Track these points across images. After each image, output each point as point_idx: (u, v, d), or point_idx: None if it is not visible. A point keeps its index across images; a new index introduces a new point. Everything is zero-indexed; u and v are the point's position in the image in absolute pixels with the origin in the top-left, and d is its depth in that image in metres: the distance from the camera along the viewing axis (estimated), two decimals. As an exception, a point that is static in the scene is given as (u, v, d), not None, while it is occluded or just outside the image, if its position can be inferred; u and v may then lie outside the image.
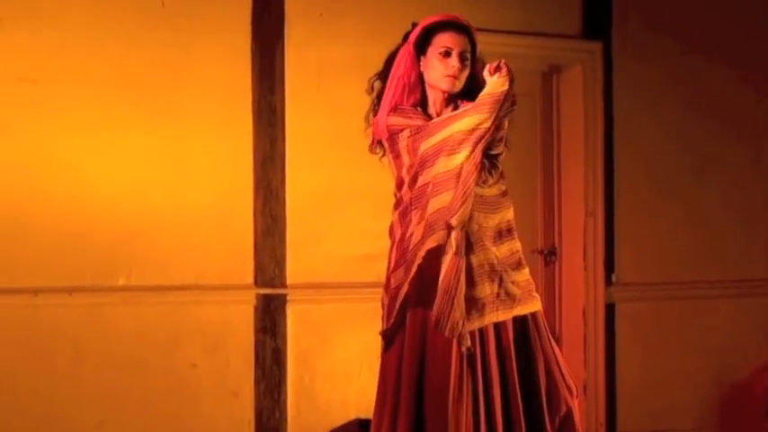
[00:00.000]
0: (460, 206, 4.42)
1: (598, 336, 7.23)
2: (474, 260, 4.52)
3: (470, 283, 4.50)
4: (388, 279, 4.61)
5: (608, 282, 7.26)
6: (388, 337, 4.66)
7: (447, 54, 4.56)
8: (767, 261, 7.69)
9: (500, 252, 4.62)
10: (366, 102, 6.20)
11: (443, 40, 4.57)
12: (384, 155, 4.76)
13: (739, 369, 7.56)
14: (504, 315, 4.56)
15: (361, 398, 6.46)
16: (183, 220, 6.30)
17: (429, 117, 4.59)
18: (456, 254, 4.43)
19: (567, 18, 7.22)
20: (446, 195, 4.44)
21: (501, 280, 4.56)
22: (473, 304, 4.50)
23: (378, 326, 5.96)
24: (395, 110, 4.60)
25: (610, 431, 7.23)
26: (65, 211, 6.08)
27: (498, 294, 4.56)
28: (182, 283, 6.29)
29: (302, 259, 6.52)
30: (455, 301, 4.41)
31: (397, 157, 4.61)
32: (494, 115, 4.42)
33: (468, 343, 4.43)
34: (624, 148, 7.32)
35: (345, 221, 6.61)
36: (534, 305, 4.64)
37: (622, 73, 7.30)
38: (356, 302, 6.54)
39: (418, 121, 4.55)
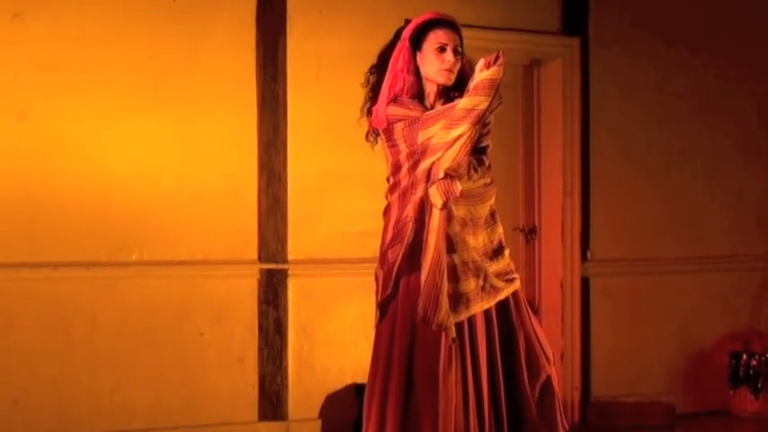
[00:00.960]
0: (453, 157, 4.46)
1: (574, 307, 7.28)
2: (457, 259, 4.55)
3: (455, 279, 4.55)
4: (384, 254, 4.64)
5: (583, 258, 7.30)
6: (383, 309, 4.69)
7: (442, 49, 4.58)
8: (730, 239, 7.75)
9: (487, 237, 4.66)
10: (361, 91, 6.27)
11: (438, 36, 4.60)
12: (377, 143, 4.77)
13: (704, 338, 7.65)
14: (489, 303, 4.62)
15: (357, 365, 6.50)
16: (192, 200, 6.33)
17: (426, 108, 4.61)
18: (439, 231, 4.46)
19: (548, 15, 7.26)
20: (437, 155, 4.48)
21: (486, 276, 4.60)
22: (459, 299, 4.55)
23: (372, 298, 6.08)
24: (394, 101, 4.62)
25: (584, 395, 7.26)
26: (82, 191, 6.09)
27: (483, 287, 4.60)
28: (190, 259, 6.32)
29: (302, 237, 6.57)
30: (439, 299, 4.47)
31: (393, 145, 4.62)
32: (491, 98, 4.45)
33: (454, 334, 4.48)
34: (599, 134, 7.36)
35: (342, 202, 6.64)
36: (514, 286, 4.69)
37: (598, 66, 7.34)
38: (352, 276, 6.59)
39: (416, 112, 4.57)
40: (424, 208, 4.54)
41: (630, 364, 7.39)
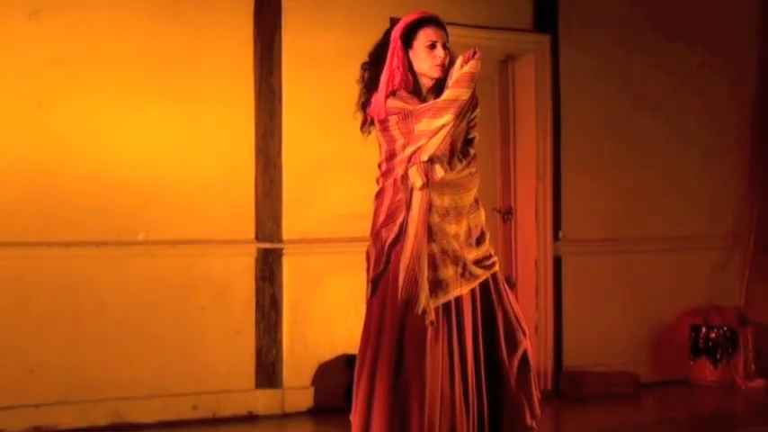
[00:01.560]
0: (437, 145, 4.55)
1: (547, 284, 7.37)
2: (436, 247, 4.63)
3: (434, 266, 4.62)
4: (377, 233, 4.73)
5: (556, 238, 7.40)
6: (374, 285, 4.78)
7: (433, 46, 4.68)
8: (691, 222, 7.86)
9: (472, 222, 4.75)
10: (350, 82, 6.34)
11: (428, 34, 4.70)
12: (371, 133, 4.85)
13: (666, 313, 7.75)
14: (467, 289, 4.71)
15: (348, 337, 6.56)
16: (194, 184, 6.41)
17: (422, 100, 4.70)
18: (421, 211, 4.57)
19: (521, 15, 7.35)
20: (421, 142, 4.57)
21: (465, 265, 4.68)
22: (438, 284, 4.63)
23: (362, 275, 6.20)
24: (393, 95, 4.70)
25: (557, 365, 7.34)
26: (93, 176, 6.16)
27: (462, 274, 4.68)
28: (192, 239, 6.39)
29: (296, 218, 6.64)
30: (419, 284, 4.56)
31: (389, 134, 4.70)
32: (471, 89, 4.57)
33: (432, 318, 4.56)
34: (569, 123, 7.46)
35: (334, 185, 6.71)
36: (492, 271, 4.79)
37: (567, 60, 7.44)
38: (343, 255, 6.66)
39: (412, 105, 4.65)
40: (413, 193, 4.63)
41: (599, 337, 7.46)
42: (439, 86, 4.75)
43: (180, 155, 6.40)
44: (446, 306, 4.66)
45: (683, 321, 7.76)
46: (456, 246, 4.67)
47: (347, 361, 6.62)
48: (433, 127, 4.57)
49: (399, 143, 4.69)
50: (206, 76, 6.45)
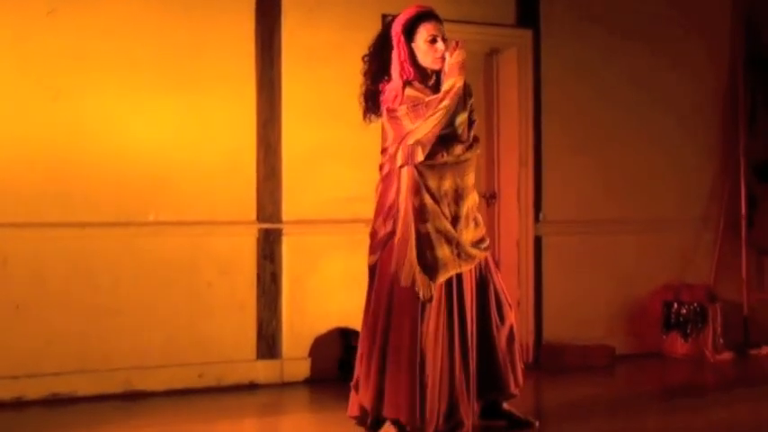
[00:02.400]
0: (429, 130, 4.73)
1: (529, 263, 7.46)
2: (430, 227, 4.80)
3: (429, 246, 4.79)
4: (389, 210, 4.84)
5: (536, 219, 7.48)
6: (373, 269, 4.93)
7: (434, 41, 4.87)
8: (664, 204, 7.97)
9: (472, 204, 4.93)
10: (345, 75, 6.55)
11: (427, 29, 4.88)
12: (372, 123, 5.01)
13: (642, 290, 7.86)
14: (466, 268, 4.89)
15: (342, 312, 6.74)
16: (200, 169, 6.49)
17: (432, 91, 4.85)
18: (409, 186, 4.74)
19: (504, 10, 7.42)
20: (417, 123, 4.77)
21: (458, 244, 4.83)
22: (435, 263, 4.79)
23: (355, 254, 6.31)
24: (410, 84, 4.87)
25: (537, 339, 7.42)
26: (107, 161, 6.25)
27: (459, 255, 4.84)
28: (199, 220, 6.48)
29: (295, 201, 6.73)
30: (411, 261, 4.73)
31: (397, 122, 4.83)
32: (463, 76, 4.78)
33: (428, 296, 4.73)
34: (550, 112, 7.56)
35: (330, 171, 6.82)
36: (487, 253, 4.99)
37: (549, 54, 7.55)
38: (338, 235, 6.81)
39: (425, 96, 4.82)
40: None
41: (577, 312, 7.57)
42: (437, 75, 4.90)
43: (187, 142, 6.46)
44: (447, 282, 4.81)
45: (655, 298, 7.83)
46: (448, 226, 4.79)
47: (341, 334, 6.77)
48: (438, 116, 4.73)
49: (408, 129, 4.81)
50: (211, 69, 6.51)
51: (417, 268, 4.75)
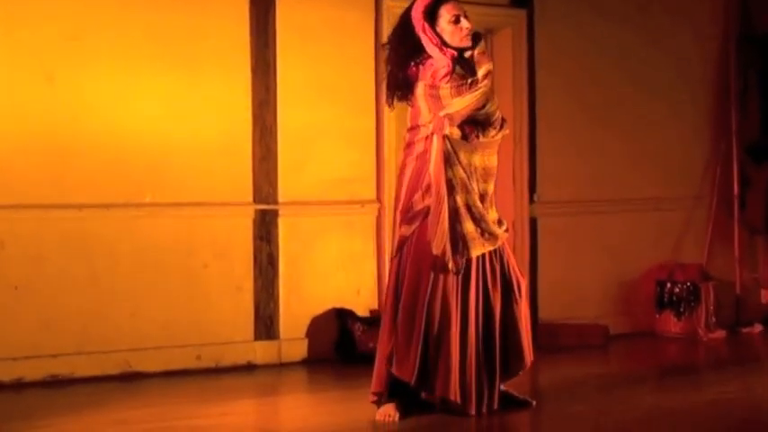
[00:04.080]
0: (464, 106, 4.85)
1: (524, 244, 7.49)
2: (460, 201, 4.87)
3: (458, 220, 4.87)
4: (429, 187, 4.89)
5: (531, 200, 7.51)
6: (402, 244, 5.00)
7: (457, 20, 4.93)
8: (657, 184, 8.00)
9: (489, 188, 5.02)
10: (339, 55, 6.60)
11: (449, 10, 4.96)
12: (394, 107, 5.13)
13: (634, 269, 7.90)
14: (489, 248, 4.98)
15: (337, 292, 6.84)
16: (196, 150, 6.49)
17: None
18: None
19: None
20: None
21: (482, 220, 4.91)
22: (461, 238, 4.88)
23: (352, 235, 6.57)
24: (458, 63, 4.95)
25: (533, 319, 6.86)
26: (104, 143, 6.24)
27: (483, 233, 4.92)
28: (195, 201, 6.48)
29: (291, 181, 6.75)
30: (442, 231, 4.81)
31: (437, 99, 4.91)
32: (491, 62, 4.99)
33: (459, 268, 4.83)
34: (544, 93, 7.58)
35: (325, 152, 6.84)
36: (507, 233, 5.10)
37: (542, 34, 7.57)
38: (334, 216, 6.84)
39: (469, 77, 4.93)
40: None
41: (572, 292, 7.60)
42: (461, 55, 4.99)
43: (183, 124, 6.47)
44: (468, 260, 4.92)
45: (649, 277, 7.89)
46: (478, 202, 4.88)
47: (337, 314, 6.82)
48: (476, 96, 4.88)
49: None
50: (206, 50, 6.53)
51: (448, 239, 4.84)
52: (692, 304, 7.71)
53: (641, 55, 7.95)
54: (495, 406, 5.04)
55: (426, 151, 4.95)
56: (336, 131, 6.85)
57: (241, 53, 6.64)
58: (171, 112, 6.48)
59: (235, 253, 6.63)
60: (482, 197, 4.99)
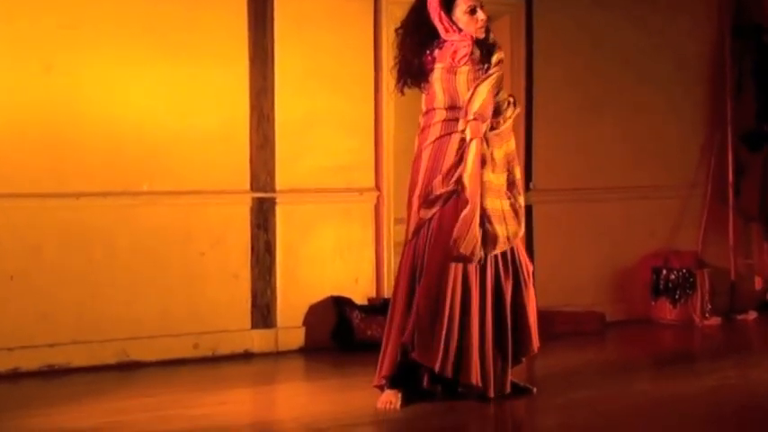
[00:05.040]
0: (482, 100, 4.95)
1: None
2: (489, 204, 4.99)
3: (489, 221, 4.98)
4: (449, 172, 4.97)
5: (527, 188, 7.38)
6: (419, 229, 5.08)
7: (473, 11, 5.03)
8: (653, 172, 7.97)
9: (516, 173, 5.15)
10: (337, 43, 6.59)
11: (465, 0, 5.04)
12: (403, 94, 5.19)
13: (630, 256, 7.88)
14: (511, 246, 5.12)
15: (334, 280, 6.83)
16: (194, 138, 6.47)
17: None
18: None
19: None
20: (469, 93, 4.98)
21: (507, 222, 5.06)
22: (491, 238, 4.99)
23: (350, 223, 6.56)
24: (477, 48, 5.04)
25: None
26: (101, 131, 6.22)
27: (508, 238, 5.06)
28: (193, 189, 6.47)
29: (288, 169, 6.73)
30: (473, 235, 4.90)
31: (451, 83, 4.99)
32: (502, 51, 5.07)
33: (482, 260, 4.96)
34: (541, 81, 7.54)
35: (323, 139, 6.82)
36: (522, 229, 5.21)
37: (540, 23, 7.53)
38: (331, 204, 6.83)
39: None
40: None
41: (568, 279, 7.58)
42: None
43: (180, 112, 6.45)
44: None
45: (644, 264, 7.89)
46: (507, 206, 5.04)
47: (335, 302, 6.81)
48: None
49: (464, 92, 4.98)
50: (204, 38, 6.50)
51: (479, 242, 4.93)
52: (688, 291, 7.71)
53: (638, 44, 7.94)
54: (508, 390, 5.12)
55: (445, 137, 5.00)
56: (334, 119, 6.84)
57: (239, 41, 6.61)
58: (168, 100, 6.45)
59: (232, 241, 6.61)
60: (510, 185, 5.11)
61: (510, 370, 5.17)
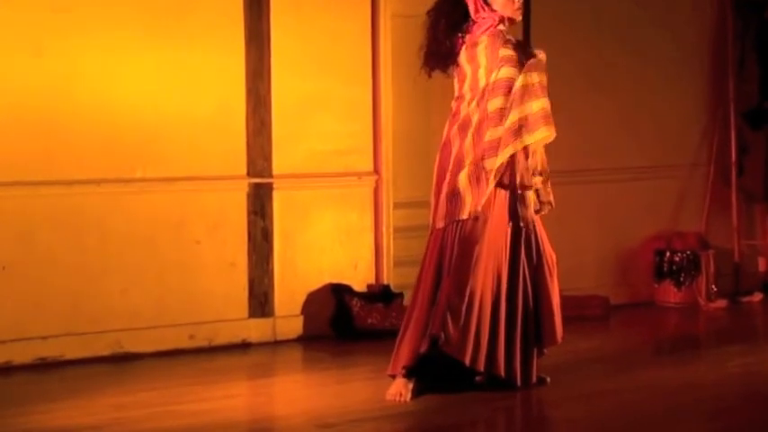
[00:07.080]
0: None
1: None
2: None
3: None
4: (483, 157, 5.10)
5: None
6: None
7: None
8: (655, 153, 7.98)
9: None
10: (334, 26, 6.56)
11: None
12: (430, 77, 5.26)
13: (633, 239, 7.91)
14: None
15: (333, 266, 6.82)
16: (189, 123, 6.43)
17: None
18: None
19: None
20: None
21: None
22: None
23: (348, 208, 6.57)
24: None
25: None
26: (93, 116, 6.17)
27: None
28: (188, 175, 6.43)
29: (285, 154, 6.70)
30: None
31: (492, 59, 5.08)
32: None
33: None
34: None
35: (320, 124, 6.79)
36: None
37: (539, 6, 7.41)
38: (328, 189, 6.81)
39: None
40: None
41: (571, 263, 7.22)
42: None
43: (175, 97, 6.41)
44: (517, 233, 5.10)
45: (648, 246, 7.91)
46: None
47: (334, 289, 6.79)
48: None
49: (483, 63, 5.07)
50: (199, 22, 6.44)
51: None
52: (693, 273, 7.73)
53: (638, 21, 7.93)
54: (534, 380, 5.18)
55: (483, 122, 5.08)
56: (332, 103, 6.80)
57: (234, 24, 6.56)
58: (162, 85, 6.40)
59: (228, 228, 6.58)
60: (542, 174, 5.41)
61: (535, 361, 5.21)
